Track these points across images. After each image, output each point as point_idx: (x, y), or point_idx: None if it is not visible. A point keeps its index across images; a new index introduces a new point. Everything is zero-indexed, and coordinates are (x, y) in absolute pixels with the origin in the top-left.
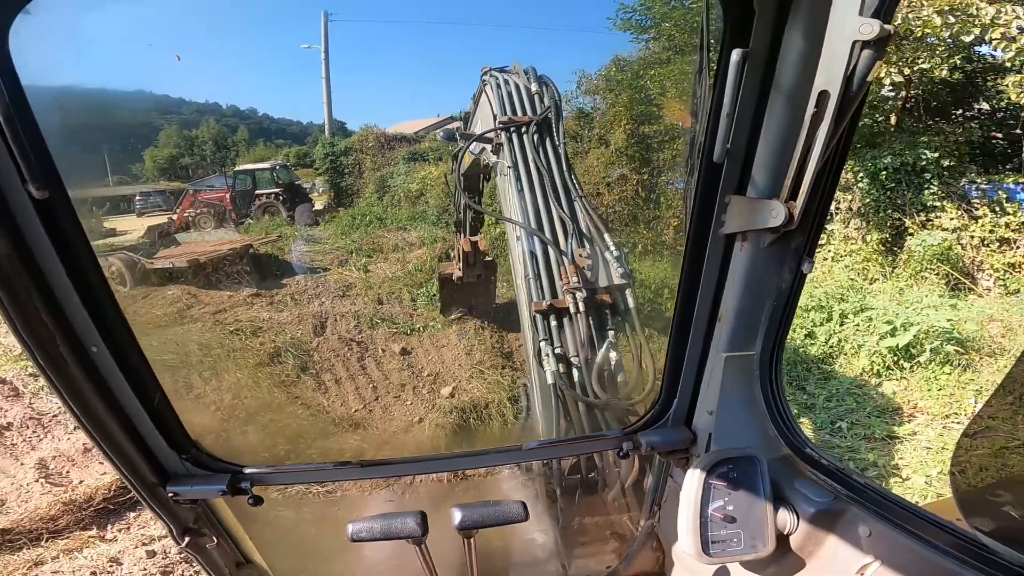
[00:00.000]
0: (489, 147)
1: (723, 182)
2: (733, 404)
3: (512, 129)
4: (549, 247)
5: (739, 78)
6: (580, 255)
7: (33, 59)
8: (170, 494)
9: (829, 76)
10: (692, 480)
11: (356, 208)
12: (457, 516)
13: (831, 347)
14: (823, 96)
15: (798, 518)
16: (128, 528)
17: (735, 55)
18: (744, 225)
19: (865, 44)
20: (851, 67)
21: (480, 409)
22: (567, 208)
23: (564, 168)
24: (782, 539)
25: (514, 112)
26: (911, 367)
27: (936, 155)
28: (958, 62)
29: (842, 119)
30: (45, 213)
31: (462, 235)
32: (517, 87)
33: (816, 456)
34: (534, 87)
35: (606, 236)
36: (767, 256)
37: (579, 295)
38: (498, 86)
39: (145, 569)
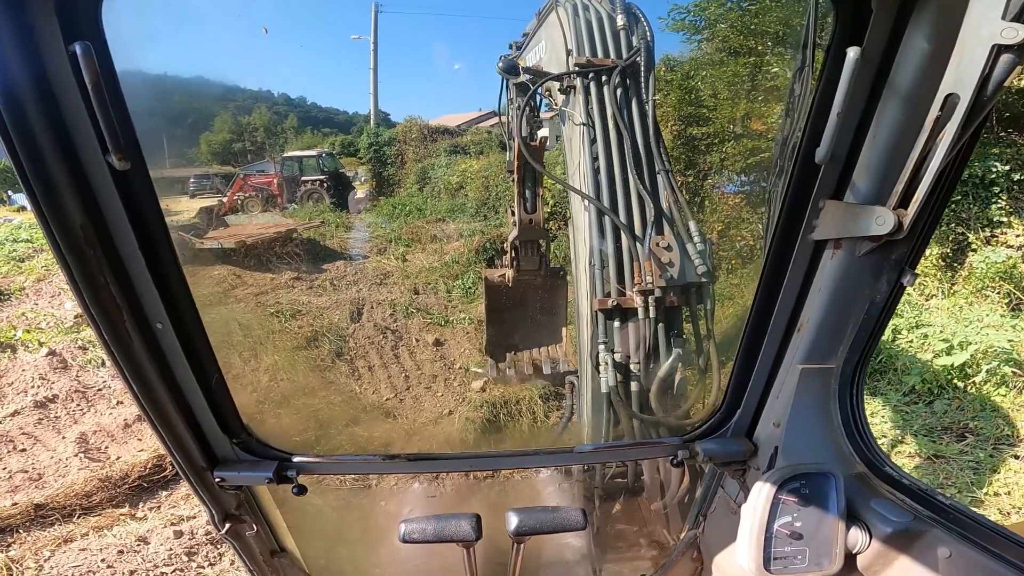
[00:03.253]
0: (557, 84)
1: (819, 186)
2: (805, 418)
3: (590, 75)
4: (623, 232)
5: (852, 78)
6: (658, 244)
7: (124, 31)
8: (217, 479)
9: (959, 79)
10: (760, 494)
11: (397, 198)
12: (513, 521)
13: (880, 363)
14: (950, 99)
15: (870, 537)
16: (159, 507)
17: (851, 53)
18: (840, 232)
19: (1006, 48)
20: (987, 71)
21: (511, 405)
22: (649, 183)
23: (651, 132)
24: (849, 558)
25: (593, 51)
26: (965, 387)
27: (1007, 168)
28: None
29: (971, 123)
30: (123, 186)
31: (515, 142)
32: (599, 17)
33: (896, 475)
34: (620, 20)
35: (691, 224)
36: (862, 265)
37: (651, 297)
38: (575, 12)
39: (171, 549)
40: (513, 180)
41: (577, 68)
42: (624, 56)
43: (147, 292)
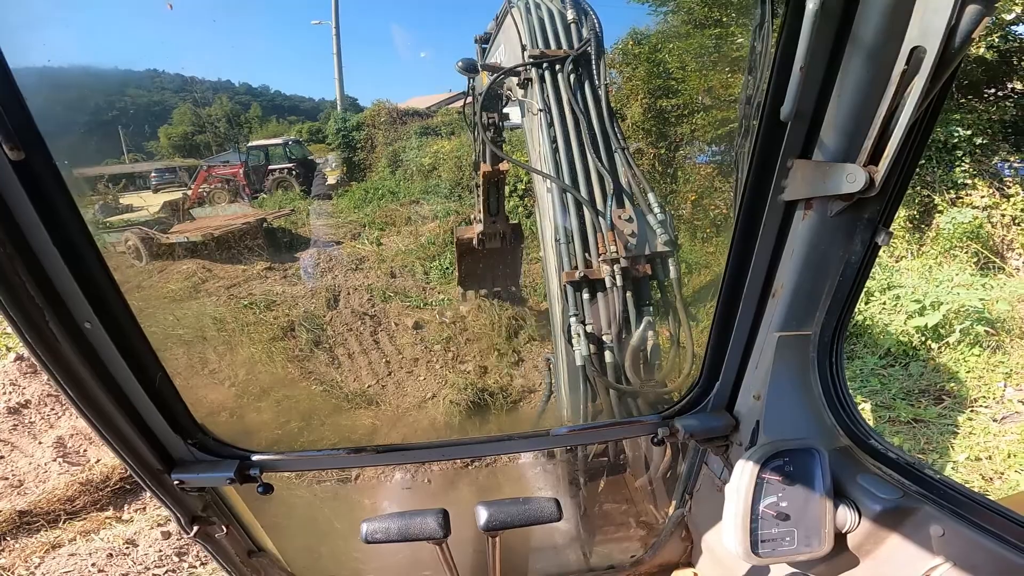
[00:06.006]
0: (515, 80)
1: (786, 144)
2: (784, 389)
3: (544, 65)
4: (585, 207)
5: (812, 30)
6: (620, 217)
7: (13, 17)
8: (176, 482)
9: (925, 31)
10: (743, 475)
11: (369, 182)
12: (483, 516)
13: (855, 326)
14: (916, 52)
15: (859, 515)
16: (144, 509)
17: (810, 5)
18: (810, 191)
19: None
20: (953, 22)
21: (490, 387)
22: (606, 161)
23: (604, 114)
24: (839, 538)
25: (546, 44)
26: (939, 348)
27: (968, 132)
28: (996, 40)
29: (940, 77)
30: (27, 179)
31: (482, 164)
32: (551, 13)
33: (882, 448)
34: (571, 15)
35: (649, 196)
36: (835, 226)
37: (617, 267)
38: (527, 10)
39: (161, 550)
40: (478, 187)
41: (531, 59)
42: (575, 47)
43: (69, 290)
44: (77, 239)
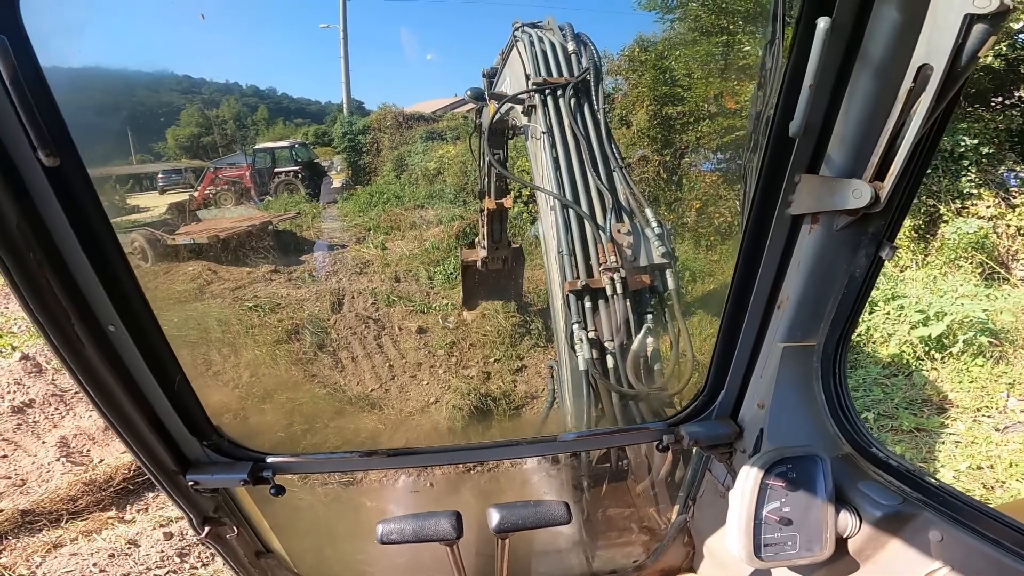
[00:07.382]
0: (519, 108)
1: (794, 160)
2: (788, 398)
3: (547, 91)
4: (586, 221)
5: (823, 49)
6: (619, 231)
7: (47, 22)
8: (190, 483)
9: (932, 49)
10: (747, 480)
11: (374, 186)
12: (495, 518)
13: (859, 335)
14: (924, 70)
15: (860, 521)
16: (146, 509)
17: (821, 24)
18: (816, 206)
19: (979, 18)
20: (960, 41)
21: (492, 392)
22: (605, 179)
23: (603, 135)
24: (839, 542)
25: (548, 72)
26: (943, 358)
27: (975, 142)
28: (1003, 49)
29: (945, 95)
30: (57, 183)
31: (487, 197)
32: (552, 45)
33: (883, 456)
34: (571, 46)
35: (647, 211)
36: (840, 240)
37: (617, 275)
38: (531, 43)
39: (162, 551)
40: (482, 212)
41: (535, 86)
42: (576, 75)
43: (95, 293)
44: (104, 243)
